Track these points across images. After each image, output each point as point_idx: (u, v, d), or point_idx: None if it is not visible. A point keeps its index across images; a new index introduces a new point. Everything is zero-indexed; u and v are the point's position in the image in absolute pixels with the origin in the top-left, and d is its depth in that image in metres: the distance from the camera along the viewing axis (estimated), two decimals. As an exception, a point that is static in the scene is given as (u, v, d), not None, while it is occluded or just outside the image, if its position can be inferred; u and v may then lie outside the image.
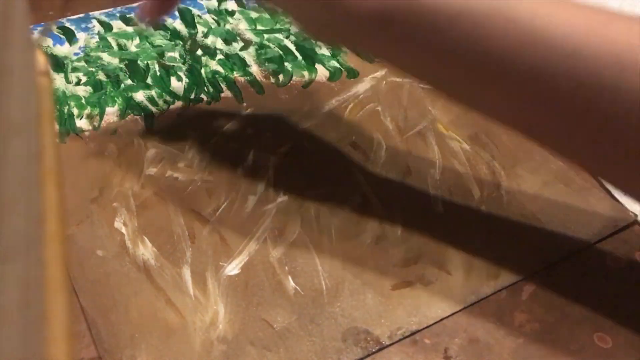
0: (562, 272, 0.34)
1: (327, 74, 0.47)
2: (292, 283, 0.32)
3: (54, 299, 0.15)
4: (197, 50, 0.49)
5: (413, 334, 0.31)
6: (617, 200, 0.37)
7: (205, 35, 0.51)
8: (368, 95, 0.45)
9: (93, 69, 0.46)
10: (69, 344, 0.14)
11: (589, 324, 0.31)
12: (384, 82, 0.46)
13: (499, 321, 0.31)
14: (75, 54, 0.48)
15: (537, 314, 0.32)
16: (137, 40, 0.50)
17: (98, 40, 0.50)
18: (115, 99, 0.44)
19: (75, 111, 0.42)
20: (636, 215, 0.36)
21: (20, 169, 0.14)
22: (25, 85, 0.16)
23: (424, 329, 0.31)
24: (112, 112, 0.43)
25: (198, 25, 0.52)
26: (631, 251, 0.35)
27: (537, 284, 0.33)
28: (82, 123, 0.42)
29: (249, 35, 0.51)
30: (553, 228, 0.35)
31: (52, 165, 0.17)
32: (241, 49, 0.49)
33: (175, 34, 0.51)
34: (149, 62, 0.47)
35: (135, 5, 0.54)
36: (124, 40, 0.50)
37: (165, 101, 0.44)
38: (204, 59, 0.48)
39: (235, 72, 0.47)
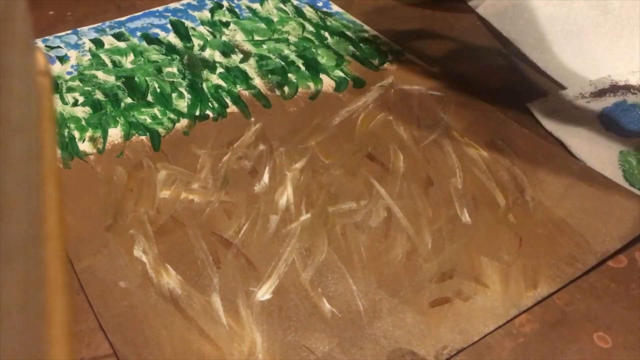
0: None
1: (333, 84, 0.46)
2: (327, 305, 0.31)
3: (54, 299, 0.14)
4: (195, 64, 0.47)
5: (459, 352, 0.30)
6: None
7: (202, 48, 0.49)
8: (378, 104, 0.44)
9: (89, 88, 0.44)
10: (69, 344, 0.14)
11: (589, 324, 0.31)
12: (392, 91, 0.46)
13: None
14: (68, 72, 0.46)
15: (537, 314, 0.32)
16: (131, 56, 0.48)
17: (90, 57, 0.48)
18: (117, 119, 0.42)
19: (77, 134, 0.41)
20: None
21: (20, 169, 0.14)
22: (25, 85, 0.15)
23: (469, 347, 0.30)
24: (115, 133, 0.41)
25: (193, 38, 0.50)
26: (631, 251, 0.35)
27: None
28: (85, 146, 0.40)
29: (247, 46, 0.50)
30: (584, 231, 0.35)
31: (52, 165, 0.17)
32: (241, 61, 0.48)
33: (170, 48, 0.49)
34: (147, 78, 0.46)
35: (124, 18, 0.53)
36: (118, 57, 0.48)
37: (169, 119, 0.42)
38: (204, 73, 0.46)
39: (238, 86, 0.45)
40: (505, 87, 0.47)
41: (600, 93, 0.45)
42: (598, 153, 0.41)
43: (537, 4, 0.52)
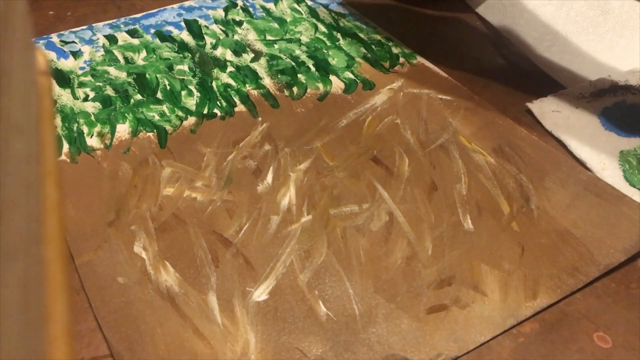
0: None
1: (342, 85, 0.46)
2: (323, 308, 0.31)
3: (54, 299, 0.14)
4: (206, 62, 0.47)
5: (453, 360, 0.29)
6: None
7: (214, 47, 0.49)
8: (386, 107, 0.44)
9: (100, 84, 0.45)
10: (69, 344, 0.14)
11: (589, 324, 0.31)
12: (401, 94, 0.45)
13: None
14: (81, 68, 0.47)
15: (537, 314, 0.31)
16: (144, 53, 0.48)
17: (104, 53, 0.48)
18: (126, 115, 0.42)
19: (85, 129, 0.41)
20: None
21: (20, 169, 0.14)
22: (25, 85, 0.16)
23: (464, 355, 0.30)
24: (123, 130, 0.41)
25: (206, 37, 0.50)
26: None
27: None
28: (92, 141, 0.40)
29: (259, 45, 0.50)
30: (588, 242, 0.34)
31: (52, 165, 0.17)
32: (252, 61, 0.48)
33: (183, 46, 0.49)
34: (157, 75, 0.46)
35: (139, 15, 0.53)
36: (131, 53, 0.48)
37: (177, 117, 0.42)
38: (214, 71, 0.47)
39: (247, 85, 0.45)
40: (505, 87, 0.47)
41: (600, 93, 0.45)
42: (598, 153, 0.40)
43: (537, 3, 0.51)
